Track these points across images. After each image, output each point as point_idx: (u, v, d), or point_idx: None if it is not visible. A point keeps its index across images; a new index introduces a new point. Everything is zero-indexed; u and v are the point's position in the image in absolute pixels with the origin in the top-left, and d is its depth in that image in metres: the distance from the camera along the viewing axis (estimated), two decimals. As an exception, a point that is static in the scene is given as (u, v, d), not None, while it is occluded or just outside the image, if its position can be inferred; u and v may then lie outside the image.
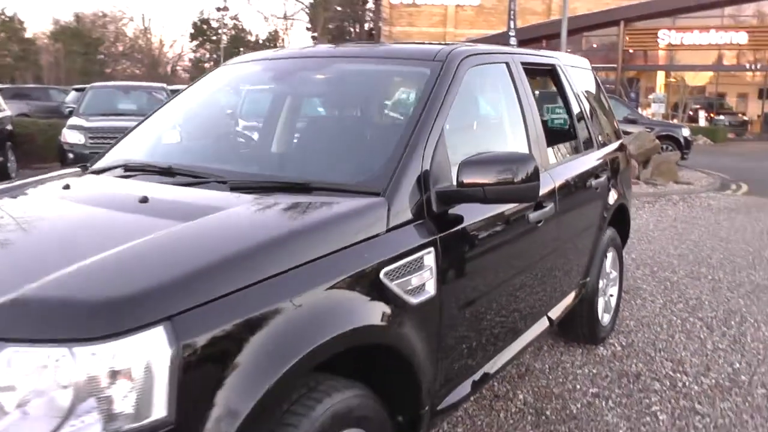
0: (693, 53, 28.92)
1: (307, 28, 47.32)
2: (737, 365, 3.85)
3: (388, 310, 1.88)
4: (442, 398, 2.28)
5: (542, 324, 3.14)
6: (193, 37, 49.36)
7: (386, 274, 1.90)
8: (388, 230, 1.98)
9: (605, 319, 4.10)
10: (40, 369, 1.34)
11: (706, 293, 5.25)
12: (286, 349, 1.56)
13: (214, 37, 48.20)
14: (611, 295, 4.23)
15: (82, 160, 9.52)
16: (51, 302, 1.44)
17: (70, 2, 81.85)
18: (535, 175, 2.20)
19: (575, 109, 3.80)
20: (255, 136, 2.93)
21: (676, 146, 15.07)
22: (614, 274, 4.25)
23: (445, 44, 2.74)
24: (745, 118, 30.97)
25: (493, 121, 3.02)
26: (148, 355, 1.36)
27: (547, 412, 3.22)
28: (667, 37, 29.34)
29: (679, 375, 3.69)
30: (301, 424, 1.60)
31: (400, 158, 2.13)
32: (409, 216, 2.07)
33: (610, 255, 4.09)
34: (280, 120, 2.88)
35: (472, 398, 3.18)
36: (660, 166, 12.29)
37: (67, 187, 2.35)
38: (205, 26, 48.81)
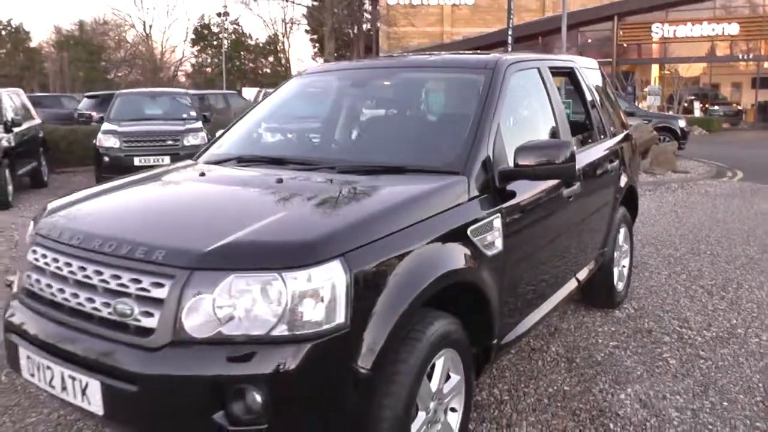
0: (686, 45, 29.61)
1: (306, 31, 48.14)
2: (734, 321, 4.49)
3: (473, 258, 2.52)
4: (505, 335, 2.92)
5: (573, 283, 3.78)
6: (194, 42, 50.01)
7: (471, 231, 2.54)
8: (469, 200, 2.63)
9: (620, 286, 4.73)
10: (256, 289, 1.96)
11: (706, 266, 5.89)
12: (415, 280, 2.21)
13: (215, 42, 48.86)
14: (624, 266, 4.86)
15: (118, 163, 10.09)
16: (262, 242, 2.08)
17: (71, 10, 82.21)
18: (572, 157, 2.83)
19: (590, 104, 4.42)
20: (344, 131, 3.56)
21: (673, 137, 15.70)
22: (626, 247, 4.88)
23: (492, 54, 3.37)
24: (739, 107, 31.64)
25: (531, 114, 3.63)
26: (332, 279, 1.99)
27: (577, 360, 3.85)
28: (660, 30, 30.04)
29: (684, 330, 4.32)
30: (422, 338, 2.24)
31: (471, 145, 2.78)
32: (480, 190, 2.70)
33: (622, 230, 4.72)
34: (367, 118, 3.53)
35: (514, 350, 3.81)
36: (658, 156, 12.94)
37: (203, 174, 2.98)
38: (206, 31, 49.44)
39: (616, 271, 4.62)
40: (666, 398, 3.37)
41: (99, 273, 2.17)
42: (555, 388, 3.49)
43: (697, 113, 29.50)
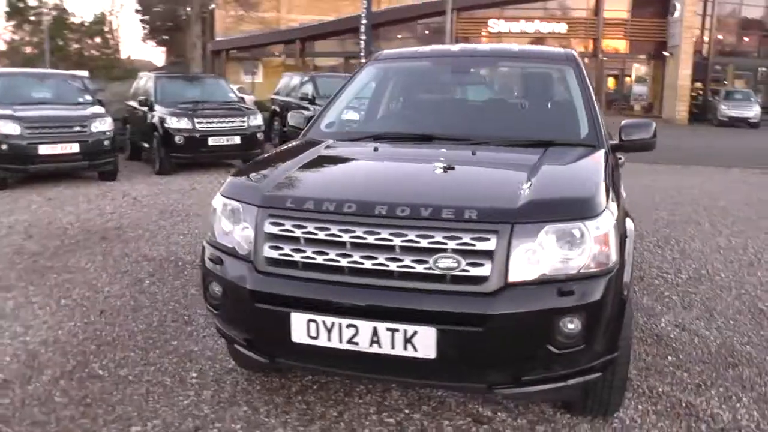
0: (520, 40, 32.52)
1: (137, 11, 45.39)
2: (695, 266, 5.58)
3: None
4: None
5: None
6: (9, 16, 44.94)
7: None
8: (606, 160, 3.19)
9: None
10: (566, 235, 2.39)
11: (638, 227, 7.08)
12: (626, 226, 2.81)
13: (33, 18, 44.35)
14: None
15: (20, 152, 9.18)
16: (562, 198, 2.56)
17: None
18: (655, 133, 3.57)
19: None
20: (470, 112, 4.00)
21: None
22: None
23: (561, 48, 4.04)
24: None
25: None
26: (609, 225, 2.48)
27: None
28: (496, 25, 32.77)
29: (665, 275, 5.31)
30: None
31: (595, 123, 3.42)
32: (607, 155, 3.26)
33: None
34: (488, 101, 4.02)
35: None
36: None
37: (376, 149, 3.29)
38: (21, 5, 44.62)
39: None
40: (693, 323, 4.27)
41: (400, 235, 2.40)
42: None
43: (529, 102, 32.70)
